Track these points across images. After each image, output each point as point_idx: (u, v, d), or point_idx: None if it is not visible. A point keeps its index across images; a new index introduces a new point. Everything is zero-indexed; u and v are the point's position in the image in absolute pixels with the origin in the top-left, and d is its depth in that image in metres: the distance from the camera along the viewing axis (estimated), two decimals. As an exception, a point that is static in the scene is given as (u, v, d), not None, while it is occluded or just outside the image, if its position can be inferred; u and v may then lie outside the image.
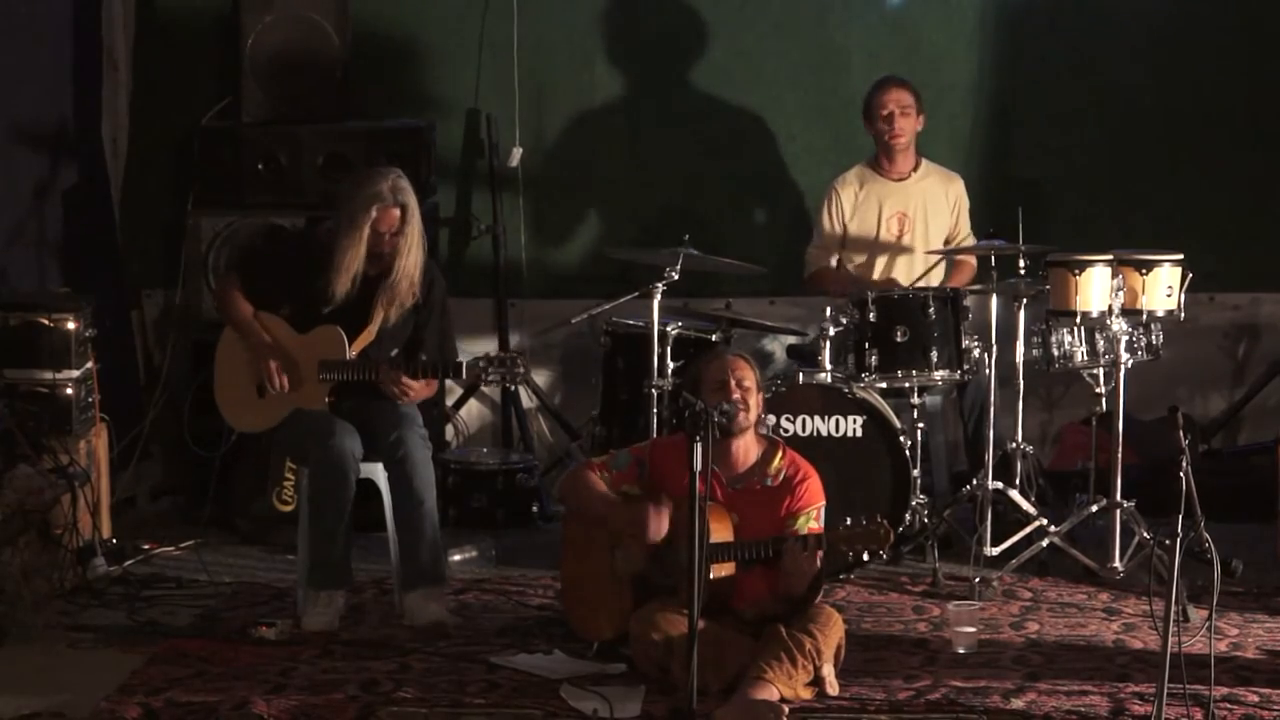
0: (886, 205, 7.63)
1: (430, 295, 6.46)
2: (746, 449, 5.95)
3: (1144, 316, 6.79)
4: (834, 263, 7.68)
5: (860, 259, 7.68)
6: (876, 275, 7.63)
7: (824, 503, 5.93)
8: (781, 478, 5.92)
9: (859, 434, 6.89)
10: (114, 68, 8.20)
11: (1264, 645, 6.09)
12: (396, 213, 6.28)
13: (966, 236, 7.65)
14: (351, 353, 6.31)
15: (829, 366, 6.96)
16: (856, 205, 7.64)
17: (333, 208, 6.46)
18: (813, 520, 5.87)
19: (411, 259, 6.33)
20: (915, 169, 7.68)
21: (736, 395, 5.84)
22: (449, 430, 8.32)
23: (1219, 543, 6.11)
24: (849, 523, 5.62)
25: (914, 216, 7.63)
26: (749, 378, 5.92)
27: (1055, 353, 6.89)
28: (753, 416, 5.92)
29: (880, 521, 5.57)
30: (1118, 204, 8.32)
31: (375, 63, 8.21)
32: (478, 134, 8.33)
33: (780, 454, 5.97)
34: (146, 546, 7.17)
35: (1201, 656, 5.35)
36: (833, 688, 5.55)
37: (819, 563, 5.66)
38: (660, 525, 5.76)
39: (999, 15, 8.31)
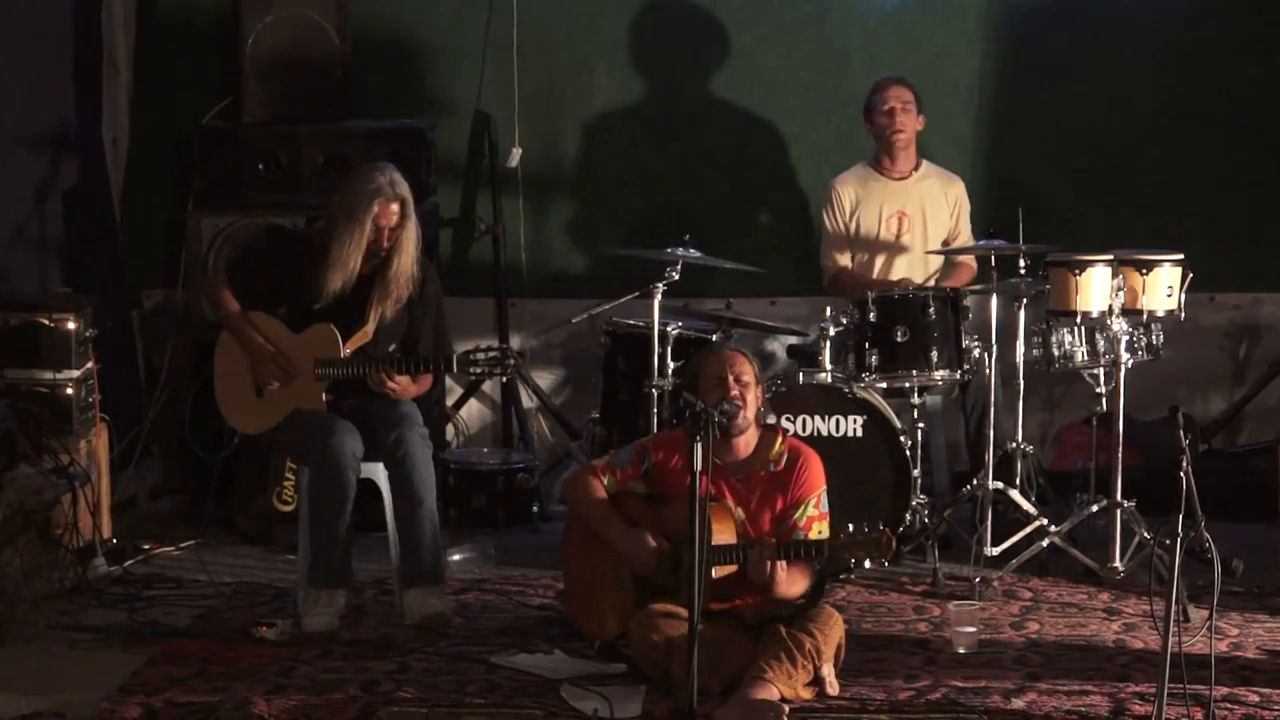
0: (886, 205, 7.64)
1: (425, 291, 6.46)
2: (747, 439, 5.95)
3: (1144, 316, 6.78)
4: (848, 262, 7.68)
5: (861, 258, 7.68)
6: (876, 274, 7.63)
7: (824, 488, 5.92)
8: (784, 461, 5.92)
9: (859, 434, 6.89)
10: (114, 68, 8.20)
11: (1264, 645, 6.09)
12: (395, 207, 6.28)
13: (966, 239, 7.64)
14: (346, 350, 6.32)
15: (829, 366, 6.96)
16: (856, 204, 7.65)
17: (329, 205, 6.46)
18: (811, 508, 5.87)
19: (408, 254, 6.33)
20: (915, 169, 7.68)
21: (735, 392, 5.83)
22: (449, 430, 8.32)
23: (1219, 543, 6.11)
24: (851, 529, 5.61)
25: (912, 216, 7.63)
26: (748, 372, 5.91)
27: (1055, 353, 6.89)
28: (751, 413, 5.91)
29: (883, 530, 5.56)
30: (1118, 204, 8.32)
31: (375, 63, 8.21)
32: (478, 134, 8.33)
33: (779, 438, 5.97)
34: (146, 546, 7.16)
35: (1202, 656, 5.36)
36: (833, 688, 5.55)
37: (778, 568, 5.62)
38: (651, 561, 5.77)
39: (999, 15, 8.31)
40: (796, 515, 5.85)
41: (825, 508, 5.90)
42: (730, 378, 5.86)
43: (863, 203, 7.65)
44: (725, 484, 5.82)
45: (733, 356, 5.93)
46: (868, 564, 5.64)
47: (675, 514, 5.75)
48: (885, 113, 7.57)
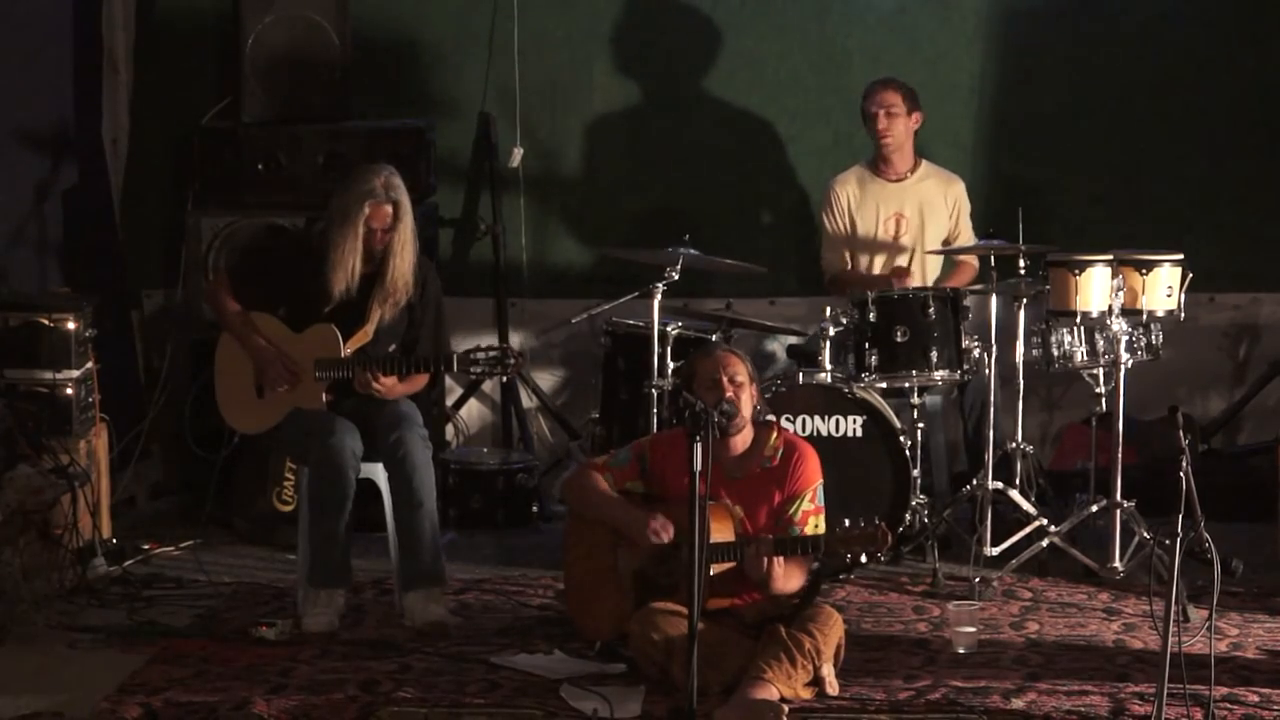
0: (883, 206, 7.64)
1: (425, 293, 6.47)
2: (743, 436, 5.96)
3: (1144, 316, 6.79)
4: (848, 263, 7.68)
5: (861, 259, 7.68)
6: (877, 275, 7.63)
7: (821, 481, 5.93)
8: (779, 456, 5.92)
9: (859, 434, 6.89)
10: (114, 68, 8.20)
11: (1264, 645, 6.10)
12: (388, 209, 6.28)
13: (968, 238, 7.63)
14: (346, 351, 6.32)
15: (829, 366, 6.96)
16: (854, 205, 7.65)
17: (327, 207, 6.46)
18: (807, 503, 5.87)
19: (405, 257, 6.33)
20: (914, 170, 7.68)
21: (730, 393, 5.83)
22: (449, 430, 8.32)
23: (1219, 543, 6.09)
24: (847, 524, 5.62)
25: (910, 217, 7.63)
26: (741, 372, 5.90)
27: (1055, 353, 6.89)
28: (748, 412, 5.91)
29: (878, 524, 5.57)
30: (1118, 204, 8.32)
31: (375, 63, 8.21)
32: (478, 134, 8.33)
33: (774, 433, 5.98)
34: (146, 546, 7.17)
35: (1202, 656, 5.35)
36: (832, 688, 5.55)
37: (774, 564, 5.63)
38: (662, 534, 5.76)
39: (999, 15, 8.31)
40: (793, 510, 5.86)
41: (821, 502, 5.91)
42: (724, 378, 5.86)
43: (860, 204, 7.65)
44: (722, 481, 5.82)
45: (725, 357, 5.93)
46: (864, 559, 5.66)
47: (674, 513, 5.75)
48: (872, 117, 7.57)
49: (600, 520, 5.94)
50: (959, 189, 7.71)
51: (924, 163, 7.71)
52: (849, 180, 7.69)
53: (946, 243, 7.66)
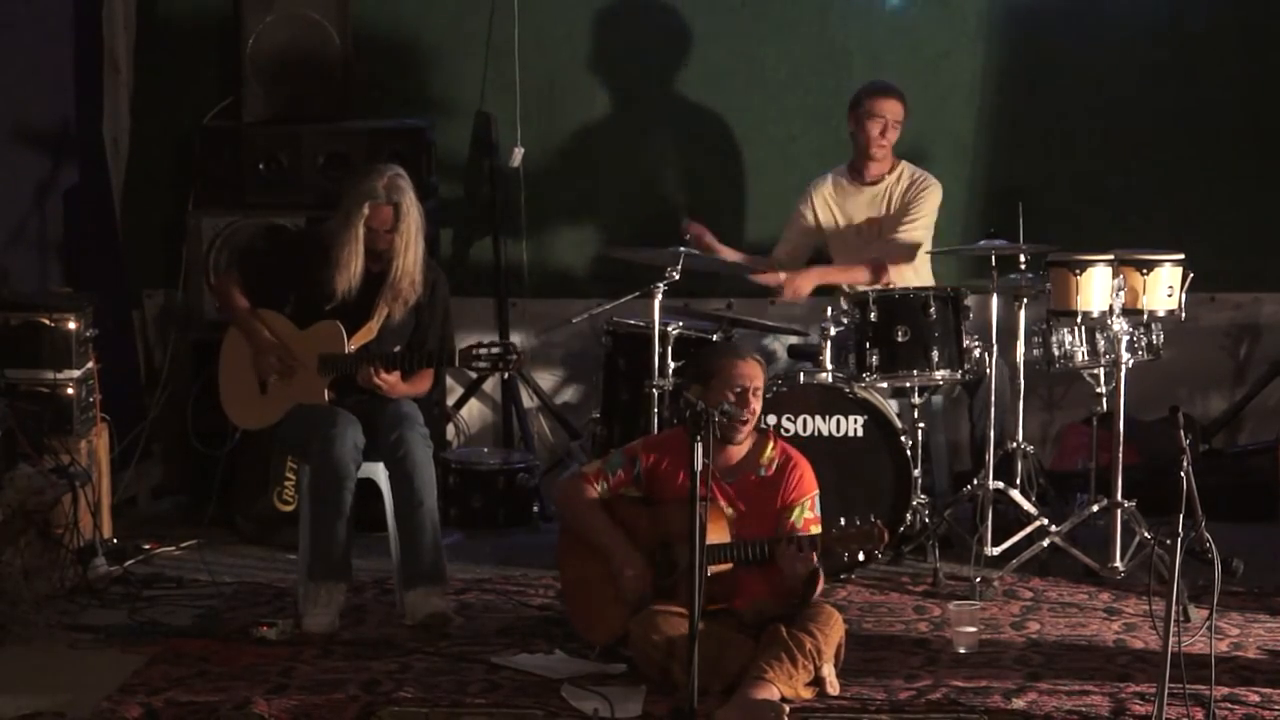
0: (860, 211, 7.61)
1: (434, 295, 6.48)
2: (741, 445, 5.95)
3: (1145, 316, 6.78)
4: (785, 254, 7.66)
5: (838, 260, 7.65)
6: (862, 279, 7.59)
7: (817, 490, 5.93)
8: (775, 467, 5.93)
9: (860, 434, 6.89)
10: (115, 68, 8.20)
11: (1265, 645, 6.10)
12: (389, 210, 6.29)
13: (911, 233, 7.52)
14: (350, 347, 6.33)
15: (830, 366, 6.96)
16: (832, 211, 7.62)
17: (334, 206, 6.48)
18: (807, 511, 5.88)
19: (409, 257, 6.33)
20: (890, 172, 7.63)
21: (754, 406, 5.83)
22: (450, 430, 8.32)
23: (1220, 542, 6.11)
24: (843, 523, 5.62)
25: (884, 221, 7.59)
26: (761, 384, 5.91)
27: (1056, 353, 6.89)
28: (753, 423, 5.92)
29: (874, 522, 5.57)
30: (1118, 204, 8.32)
31: (375, 63, 8.21)
32: (479, 133, 8.33)
33: (771, 443, 5.98)
34: (147, 546, 7.16)
35: (1202, 656, 5.35)
36: (833, 687, 5.55)
37: (814, 560, 5.65)
38: (635, 586, 5.76)
39: (1000, 16, 8.30)
40: (793, 518, 5.86)
41: (819, 511, 5.91)
42: (750, 390, 5.85)
43: (837, 215, 7.62)
44: (716, 485, 5.81)
45: (755, 369, 5.89)
46: (861, 556, 5.66)
47: (670, 514, 5.76)
48: (873, 122, 7.52)
49: (585, 539, 5.93)
50: (926, 184, 7.53)
51: (903, 164, 7.64)
52: (826, 191, 7.63)
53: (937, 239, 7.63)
